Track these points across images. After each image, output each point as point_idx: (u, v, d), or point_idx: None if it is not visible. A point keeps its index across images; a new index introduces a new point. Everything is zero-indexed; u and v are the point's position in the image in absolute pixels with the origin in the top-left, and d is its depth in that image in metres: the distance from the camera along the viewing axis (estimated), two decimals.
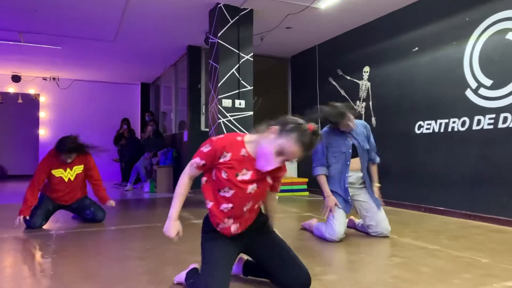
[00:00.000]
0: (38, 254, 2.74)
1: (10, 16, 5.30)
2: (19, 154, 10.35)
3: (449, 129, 4.25)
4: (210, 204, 1.86)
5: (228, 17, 4.77)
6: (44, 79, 9.16)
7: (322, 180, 3.17)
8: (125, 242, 3.10)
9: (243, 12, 4.86)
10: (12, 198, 6.27)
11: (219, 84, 4.74)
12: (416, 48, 4.67)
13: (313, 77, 6.53)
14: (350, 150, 3.15)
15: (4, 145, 10.45)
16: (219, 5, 4.74)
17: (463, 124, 4.11)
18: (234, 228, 1.86)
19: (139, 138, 8.92)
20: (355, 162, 3.19)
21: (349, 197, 3.14)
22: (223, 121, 4.73)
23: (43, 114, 9.30)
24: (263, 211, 2.06)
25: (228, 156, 1.76)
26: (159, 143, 7.57)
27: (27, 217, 3.55)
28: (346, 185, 3.13)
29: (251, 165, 1.77)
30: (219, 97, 4.74)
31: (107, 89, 9.79)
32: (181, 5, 4.85)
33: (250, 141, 1.80)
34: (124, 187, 7.64)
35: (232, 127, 4.76)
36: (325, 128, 3.27)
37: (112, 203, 3.99)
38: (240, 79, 4.83)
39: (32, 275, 2.28)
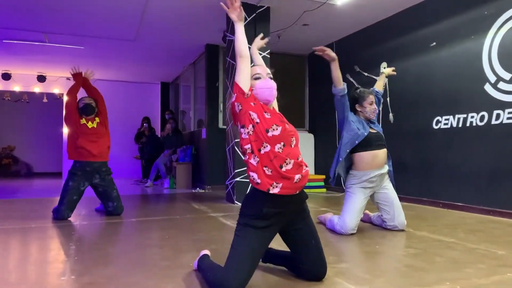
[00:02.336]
0: (63, 242, 2.87)
1: (35, 17, 5.50)
2: (43, 152, 10.69)
3: (467, 124, 4.21)
4: (266, 147, 1.81)
5: (245, 14, 4.84)
6: (68, 79, 9.41)
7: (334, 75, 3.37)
8: (144, 232, 3.20)
9: (260, 10, 4.92)
10: (37, 194, 6.50)
11: None
12: (434, 43, 4.63)
13: (330, 74, 6.51)
14: (366, 133, 3.10)
15: (30, 143, 10.81)
16: None
17: (481, 118, 4.06)
18: (297, 176, 1.82)
19: (159, 136, 9.09)
20: (380, 156, 3.13)
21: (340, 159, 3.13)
22: None
23: None
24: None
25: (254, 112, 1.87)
26: (178, 140, 7.71)
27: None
28: (340, 159, 3.12)
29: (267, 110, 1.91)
30: None
31: (128, 89, 10.00)
32: (200, 3, 4.94)
33: None
34: (144, 184, 7.82)
35: None
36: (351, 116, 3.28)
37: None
38: None
39: (57, 260, 2.39)
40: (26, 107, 10.31)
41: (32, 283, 1.96)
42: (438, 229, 3.27)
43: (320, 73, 6.93)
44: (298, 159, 1.85)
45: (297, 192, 1.87)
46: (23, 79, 9.04)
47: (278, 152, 1.80)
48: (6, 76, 8.70)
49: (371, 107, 3.22)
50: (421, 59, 4.82)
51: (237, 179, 4.79)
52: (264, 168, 1.80)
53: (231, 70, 4.98)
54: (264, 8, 4.95)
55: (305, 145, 6.90)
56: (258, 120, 1.82)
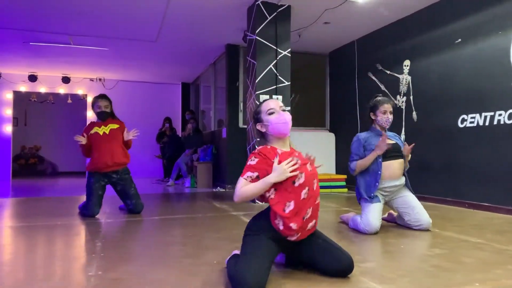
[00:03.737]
0: (88, 239, 2.93)
1: (60, 20, 5.64)
2: (68, 152, 10.94)
3: (495, 122, 4.09)
4: (289, 207, 1.85)
5: (266, 13, 4.84)
6: (91, 80, 9.63)
7: (360, 162, 3.11)
8: (166, 230, 3.23)
9: (280, 8, 4.91)
10: (62, 192, 6.66)
11: (256, 80, 4.81)
12: (459, 40, 4.53)
13: (352, 72, 6.47)
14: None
15: (55, 143, 11.08)
16: (257, 2, 4.81)
17: (510, 116, 3.95)
18: (311, 224, 1.94)
19: (180, 136, 9.18)
20: (394, 167, 3.09)
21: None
22: None
23: (90, 114, 9.77)
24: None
25: (276, 160, 1.87)
26: (198, 140, 7.77)
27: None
28: (377, 183, 3.06)
29: (289, 154, 1.95)
30: (257, 93, 4.81)
31: (149, 89, 10.14)
32: (220, 4, 4.97)
33: (265, 145, 2.03)
34: (166, 183, 7.91)
35: None
36: (363, 133, 3.24)
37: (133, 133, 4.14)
38: (278, 75, 4.88)
39: (84, 255, 2.44)
40: (51, 108, 10.58)
41: (60, 278, 2.01)
42: (464, 229, 3.19)
43: (341, 71, 6.87)
44: (316, 201, 1.96)
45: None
46: (49, 80, 9.27)
47: (304, 198, 1.88)
48: (33, 78, 8.95)
49: (383, 116, 3.15)
50: (445, 56, 4.72)
51: None
52: (291, 224, 1.86)
53: (251, 69, 4.99)
54: (285, 7, 4.93)
55: (325, 144, 6.85)
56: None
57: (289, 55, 4.95)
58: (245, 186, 1.85)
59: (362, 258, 2.32)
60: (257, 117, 2.06)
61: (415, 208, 3.12)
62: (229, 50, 6.75)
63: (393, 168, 3.09)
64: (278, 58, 4.88)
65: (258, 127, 2.05)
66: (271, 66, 4.86)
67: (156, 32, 6.16)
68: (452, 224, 3.45)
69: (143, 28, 5.99)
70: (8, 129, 9.13)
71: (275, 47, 4.88)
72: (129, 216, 3.99)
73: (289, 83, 4.94)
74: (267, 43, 4.85)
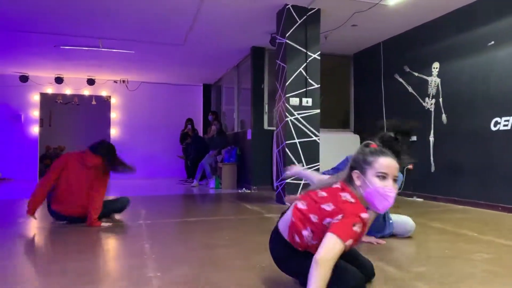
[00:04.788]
0: (135, 240, 3.01)
1: (91, 24, 5.76)
2: None
3: None
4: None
5: (296, 17, 4.88)
6: (115, 81, 9.79)
7: None
8: (206, 232, 3.30)
9: (310, 12, 4.95)
10: None
11: (287, 83, 4.86)
12: (492, 42, 4.50)
13: (377, 74, 6.46)
14: None
15: (78, 144, 11.27)
16: (287, 6, 4.86)
17: None
18: None
19: (203, 137, 9.27)
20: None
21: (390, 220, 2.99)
22: (290, 119, 4.84)
23: (114, 115, 9.95)
24: None
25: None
26: (222, 141, 7.85)
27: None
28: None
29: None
30: (287, 95, 4.85)
31: (171, 91, 10.26)
32: (250, 8, 5.02)
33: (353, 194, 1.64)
34: (190, 184, 8.01)
35: (299, 125, 4.86)
36: None
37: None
38: (308, 77, 4.91)
39: (136, 256, 2.52)
40: (76, 109, 10.78)
41: (121, 278, 2.08)
42: (503, 233, 3.18)
43: (366, 73, 6.86)
44: None
45: None
46: (74, 82, 9.46)
47: None
48: (59, 80, 9.13)
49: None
50: (477, 59, 4.69)
51: (288, 180, 4.84)
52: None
53: (281, 72, 5.03)
54: (315, 10, 4.96)
55: (350, 146, 6.83)
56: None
57: (319, 58, 4.98)
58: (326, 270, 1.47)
59: (410, 263, 2.35)
60: (359, 162, 1.66)
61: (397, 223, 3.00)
62: (255, 53, 6.81)
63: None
64: (308, 61, 4.92)
65: (355, 175, 1.65)
66: (301, 69, 4.89)
67: (184, 36, 6.25)
68: (489, 228, 3.44)
69: (172, 32, 6.08)
70: (36, 130, 9.35)
71: (304, 50, 4.92)
72: (167, 217, 4.07)
73: (319, 85, 4.97)
74: (297, 46, 4.89)
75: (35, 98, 9.36)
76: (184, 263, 2.36)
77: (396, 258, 2.48)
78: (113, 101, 9.93)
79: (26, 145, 9.20)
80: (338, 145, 6.67)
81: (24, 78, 8.95)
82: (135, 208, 4.67)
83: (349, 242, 1.50)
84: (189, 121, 9.34)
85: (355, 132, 7.03)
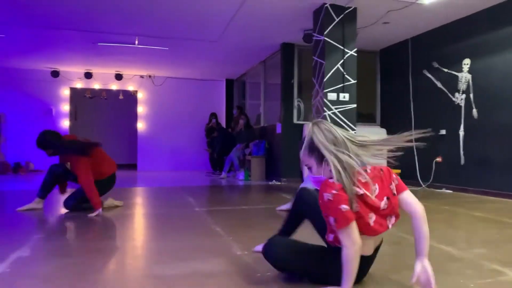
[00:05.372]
0: (204, 224, 3.26)
1: (129, 21, 5.99)
2: (118, 145, 11.49)
3: None
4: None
5: (334, 15, 5.08)
6: (141, 77, 10.05)
7: None
8: (267, 218, 3.54)
9: (347, 11, 5.14)
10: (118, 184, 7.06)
11: (325, 79, 5.07)
12: None
13: (405, 70, 6.65)
14: None
15: (106, 137, 11.58)
16: (325, 5, 5.06)
17: None
18: None
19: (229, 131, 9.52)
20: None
21: None
22: (328, 114, 5.06)
23: (140, 109, 10.22)
24: None
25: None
26: (250, 135, 8.09)
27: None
28: None
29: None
30: (325, 91, 5.07)
31: (195, 86, 10.50)
32: (287, 6, 5.22)
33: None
34: (218, 176, 8.29)
35: (337, 119, 5.08)
36: None
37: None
38: (345, 73, 5.13)
39: (215, 237, 2.76)
40: (104, 103, 11.07)
41: (213, 255, 2.33)
42: None
43: (393, 68, 7.05)
44: None
45: None
46: (102, 77, 9.73)
47: None
48: (88, 75, 9.41)
49: None
50: (509, 56, 4.88)
51: None
52: None
53: (319, 68, 5.24)
54: (352, 9, 5.16)
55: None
56: None
57: (355, 54, 5.19)
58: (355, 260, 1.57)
59: (467, 245, 2.58)
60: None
61: None
62: (285, 49, 7.02)
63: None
64: (345, 58, 5.13)
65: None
66: (338, 65, 5.11)
67: (218, 33, 6.47)
68: None
69: (207, 29, 6.31)
70: (66, 123, 9.66)
71: (342, 47, 5.12)
72: (218, 205, 4.33)
73: (355, 81, 5.18)
74: (335, 44, 5.10)
75: (66, 92, 9.66)
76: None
77: (452, 241, 2.71)
78: (140, 95, 10.20)
79: None
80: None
81: (55, 73, 9.24)
82: (181, 197, 4.94)
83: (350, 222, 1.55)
84: (213, 115, 9.60)
85: (382, 126, 7.24)
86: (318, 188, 1.66)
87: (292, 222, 2.11)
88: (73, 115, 10.58)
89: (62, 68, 9.27)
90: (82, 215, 3.65)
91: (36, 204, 3.89)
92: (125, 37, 6.78)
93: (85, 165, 3.66)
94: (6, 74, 9.04)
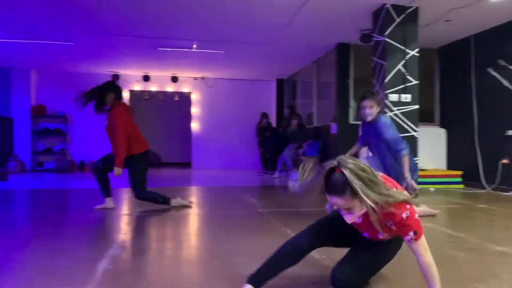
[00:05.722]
0: (276, 226, 3.38)
1: (188, 27, 6.22)
2: (173, 144, 11.95)
3: None
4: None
5: (395, 16, 5.02)
6: (195, 78, 10.37)
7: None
8: None
9: (409, 10, 5.06)
10: (165, 183, 7.34)
11: (386, 80, 5.03)
12: None
13: (466, 68, 6.42)
14: (371, 139, 3.67)
15: (162, 136, 12.11)
16: (385, 6, 5.01)
17: None
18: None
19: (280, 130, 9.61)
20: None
21: None
22: (389, 115, 5.01)
23: (194, 110, 10.56)
24: None
25: None
26: (303, 135, 8.14)
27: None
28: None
29: None
30: (385, 92, 5.03)
31: (245, 86, 10.69)
32: (345, 7, 5.21)
33: None
34: (269, 175, 8.42)
35: (398, 120, 5.03)
36: None
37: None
38: (406, 74, 5.06)
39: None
40: (160, 105, 11.53)
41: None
42: None
43: (453, 67, 6.83)
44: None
45: None
46: (159, 80, 10.15)
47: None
48: (146, 78, 9.85)
49: (361, 111, 3.65)
50: None
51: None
52: None
53: (379, 69, 5.20)
54: (413, 8, 5.07)
55: (436, 140, 6.86)
56: None
57: (417, 54, 5.10)
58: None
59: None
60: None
61: None
62: (340, 49, 6.99)
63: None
64: (406, 58, 5.05)
65: None
66: (399, 66, 5.04)
67: (275, 36, 6.56)
68: None
69: (263, 33, 6.42)
70: None
71: (403, 48, 5.05)
72: (283, 206, 4.43)
73: (418, 82, 5.09)
74: (396, 44, 5.04)
75: (125, 95, 10.14)
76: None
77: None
78: (194, 97, 10.53)
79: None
80: (422, 139, 6.73)
81: (116, 77, 9.74)
82: (241, 197, 5.10)
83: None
84: (264, 115, 9.73)
85: (442, 126, 7.04)
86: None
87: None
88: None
89: (122, 71, 9.76)
90: (153, 214, 3.89)
91: (108, 203, 4.17)
92: (183, 42, 7.05)
93: (124, 124, 3.91)
94: (72, 78, 9.64)
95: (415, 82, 5.08)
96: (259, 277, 1.83)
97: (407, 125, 5.04)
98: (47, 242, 2.81)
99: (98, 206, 4.15)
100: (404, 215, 1.66)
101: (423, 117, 7.25)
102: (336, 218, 1.93)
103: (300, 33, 6.46)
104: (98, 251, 2.55)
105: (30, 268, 2.24)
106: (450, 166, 6.78)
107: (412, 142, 5.06)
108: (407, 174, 3.42)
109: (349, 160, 1.64)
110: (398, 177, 3.34)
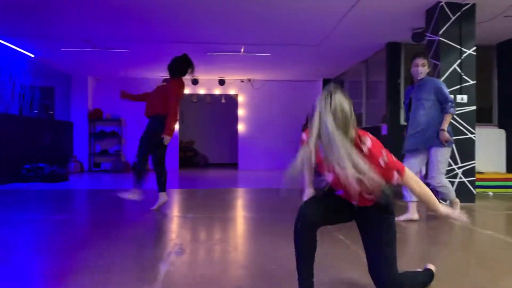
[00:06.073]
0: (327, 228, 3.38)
1: (235, 32, 6.34)
2: (220, 145, 12.20)
3: None
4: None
5: (450, 14, 4.84)
6: (242, 81, 10.52)
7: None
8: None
9: (465, 8, 4.86)
10: (212, 184, 7.47)
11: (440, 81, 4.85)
12: None
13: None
14: (407, 101, 3.93)
15: (209, 138, 12.42)
16: (440, 4, 4.84)
17: None
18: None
19: None
20: (413, 118, 3.82)
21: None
22: None
23: (240, 112, 10.72)
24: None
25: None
26: None
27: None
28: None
29: None
30: None
31: (291, 87, 10.69)
32: (396, 6, 5.08)
33: None
34: (316, 177, 8.36)
35: (454, 122, 4.83)
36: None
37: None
38: (462, 74, 4.86)
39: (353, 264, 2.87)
40: (207, 107, 11.83)
41: (350, 265, 2.43)
42: None
43: None
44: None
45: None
46: (207, 83, 10.40)
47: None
48: (195, 82, 10.11)
49: (413, 69, 3.80)
50: None
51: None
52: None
53: (432, 69, 5.01)
54: (470, 5, 4.87)
55: (494, 141, 6.52)
56: None
57: (474, 53, 4.89)
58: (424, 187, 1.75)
59: None
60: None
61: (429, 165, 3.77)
62: (390, 48, 6.83)
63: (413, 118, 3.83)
64: (462, 57, 4.86)
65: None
66: (455, 66, 4.85)
67: (320, 38, 6.53)
68: None
69: (310, 35, 6.41)
70: (176, 126, 10.51)
71: (459, 47, 4.86)
72: None
73: (475, 82, 4.88)
74: (451, 43, 4.85)
75: None
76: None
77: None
78: (240, 99, 10.69)
79: None
80: (479, 140, 6.43)
81: (166, 81, 10.07)
82: (290, 200, 5.11)
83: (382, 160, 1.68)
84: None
85: (500, 126, 6.68)
86: None
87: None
88: (181, 118, 11.45)
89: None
90: (204, 216, 4.01)
91: (162, 197, 4.36)
92: (231, 47, 7.19)
93: (177, 95, 4.33)
94: (126, 82, 10.11)
95: (471, 82, 4.87)
96: (304, 280, 1.85)
97: (464, 127, 4.84)
98: (109, 243, 2.99)
99: (154, 207, 4.34)
100: (381, 162, 1.67)
101: (480, 117, 6.94)
102: (322, 196, 1.93)
103: (349, 34, 6.38)
104: (157, 253, 2.69)
105: (100, 268, 2.40)
106: (510, 169, 6.42)
107: (469, 145, 4.87)
108: (445, 127, 3.66)
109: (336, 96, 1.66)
110: (437, 133, 3.65)
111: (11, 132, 7.16)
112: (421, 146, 3.73)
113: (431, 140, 3.68)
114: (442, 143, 3.64)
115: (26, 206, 4.92)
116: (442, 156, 3.68)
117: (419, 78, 3.77)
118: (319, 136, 1.64)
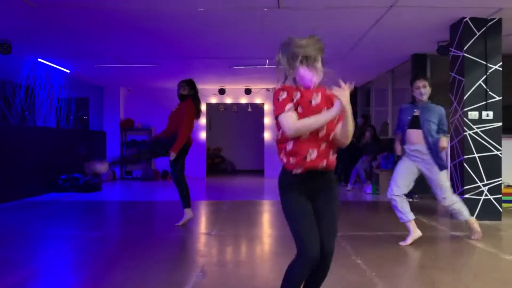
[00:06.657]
0: (346, 254, 3.45)
1: (259, 47, 6.45)
2: (246, 153, 12.38)
3: None
4: (290, 144, 1.95)
5: (475, 29, 4.78)
6: (267, 90, 10.63)
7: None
8: (408, 251, 3.57)
9: (490, 23, 4.79)
10: (238, 195, 7.59)
11: (464, 97, 4.81)
12: None
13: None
14: (409, 118, 3.85)
15: (236, 146, 12.63)
16: (464, 20, 4.78)
17: None
18: (312, 155, 1.92)
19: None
20: (410, 135, 3.81)
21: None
22: (469, 133, 4.78)
23: (267, 120, 10.84)
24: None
25: (298, 95, 1.93)
26: (377, 147, 7.97)
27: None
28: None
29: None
30: (465, 109, 4.80)
31: None
32: (421, 21, 5.04)
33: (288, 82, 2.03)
34: (341, 187, 8.37)
35: (479, 139, 4.77)
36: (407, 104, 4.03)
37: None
38: (488, 90, 4.79)
39: (356, 271, 2.93)
40: (234, 115, 12.04)
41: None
42: None
43: None
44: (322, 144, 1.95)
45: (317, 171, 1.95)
46: (233, 92, 10.59)
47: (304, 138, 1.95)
48: (222, 91, 10.33)
49: (416, 91, 3.86)
50: None
51: (466, 195, 4.79)
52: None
53: (457, 85, 4.98)
54: (495, 20, 4.79)
55: None
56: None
57: (500, 69, 4.80)
58: (305, 119, 1.84)
59: None
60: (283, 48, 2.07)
61: (435, 187, 3.84)
62: (416, 60, 6.77)
63: (409, 136, 3.83)
64: (488, 73, 4.79)
65: (283, 71, 2.09)
66: (480, 82, 4.79)
67: (348, 49, 6.55)
68: None
69: (336, 47, 6.43)
70: (203, 135, 10.77)
71: (484, 63, 4.79)
72: (362, 229, 4.46)
73: (501, 98, 4.80)
74: (476, 59, 4.79)
75: (203, 107, 10.73)
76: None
77: None
78: (266, 107, 10.81)
79: (197, 147, 10.65)
80: (508, 151, 6.25)
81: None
82: None
83: (289, 106, 1.87)
84: None
85: None
86: None
87: None
88: (208, 126, 11.73)
89: (200, 86, 10.19)
90: (229, 233, 4.15)
91: (187, 214, 4.56)
92: (256, 61, 7.33)
93: (190, 120, 4.67)
94: (156, 93, 10.46)
95: (497, 98, 4.79)
96: None
97: (489, 143, 4.77)
98: (135, 262, 3.18)
99: (179, 223, 4.53)
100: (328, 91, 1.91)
101: (508, 128, 6.76)
102: (300, 204, 1.96)
103: (374, 47, 6.37)
104: (181, 275, 2.85)
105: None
106: None
107: (495, 162, 4.79)
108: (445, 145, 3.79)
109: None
110: (437, 152, 3.75)
111: (48, 144, 7.58)
112: (422, 164, 3.84)
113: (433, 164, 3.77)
114: (441, 167, 3.74)
115: (62, 219, 5.23)
116: (444, 176, 3.78)
117: (423, 99, 3.86)
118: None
